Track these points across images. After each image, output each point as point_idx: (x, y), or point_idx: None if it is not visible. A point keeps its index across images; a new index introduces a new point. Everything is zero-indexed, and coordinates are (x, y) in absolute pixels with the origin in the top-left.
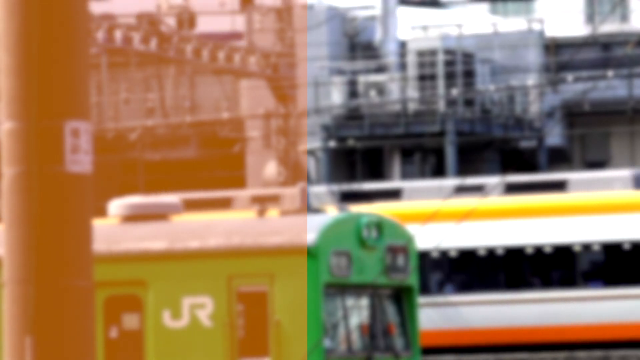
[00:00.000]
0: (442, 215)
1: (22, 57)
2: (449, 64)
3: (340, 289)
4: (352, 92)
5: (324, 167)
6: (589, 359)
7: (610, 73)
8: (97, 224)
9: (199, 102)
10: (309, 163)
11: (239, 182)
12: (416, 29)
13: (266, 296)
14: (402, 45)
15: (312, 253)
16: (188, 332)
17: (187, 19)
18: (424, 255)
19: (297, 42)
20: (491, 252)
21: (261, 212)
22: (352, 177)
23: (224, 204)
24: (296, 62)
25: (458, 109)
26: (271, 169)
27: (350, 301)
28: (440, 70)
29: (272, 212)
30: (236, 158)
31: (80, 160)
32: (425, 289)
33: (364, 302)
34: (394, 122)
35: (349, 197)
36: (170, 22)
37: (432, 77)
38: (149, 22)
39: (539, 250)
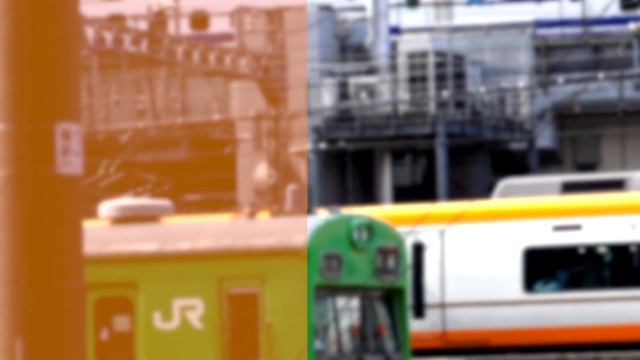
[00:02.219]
0: None
1: (12, 59)
2: (440, 65)
3: (330, 290)
4: (343, 93)
5: (315, 169)
6: None
7: (601, 75)
8: (88, 225)
9: (189, 103)
10: (299, 165)
11: (230, 183)
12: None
13: (257, 298)
14: (393, 47)
15: (302, 255)
16: (178, 334)
17: (178, 20)
18: None
19: (288, 44)
20: None
21: (252, 214)
22: (342, 179)
23: None
24: (287, 64)
25: (449, 111)
26: (262, 171)
27: (340, 303)
28: (430, 72)
29: (263, 214)
30: (227, 160)
31: (71, 162)
32: None
33: (355, 303)
34: (384, 123)
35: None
36: (163, 23)
37: (423, 79)
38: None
39: None
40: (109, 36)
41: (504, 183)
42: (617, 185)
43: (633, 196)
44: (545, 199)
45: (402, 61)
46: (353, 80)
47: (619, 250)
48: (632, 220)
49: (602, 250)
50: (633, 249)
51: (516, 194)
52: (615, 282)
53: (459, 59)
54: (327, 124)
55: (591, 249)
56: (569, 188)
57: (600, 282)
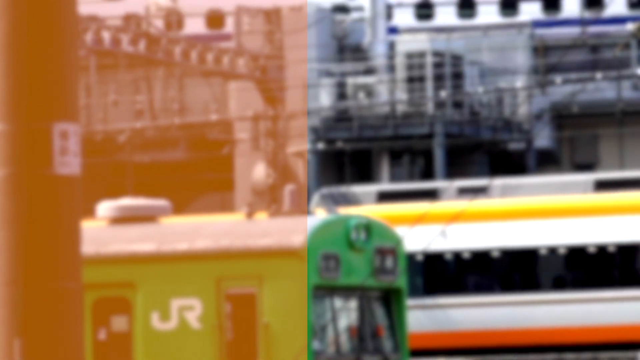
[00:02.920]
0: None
1: (10, 59)
2: (438, 66)
3: (329, 291)
4: (341, 94)
5: (313, 169)
6: None
7: (598, 75)
8: (86, 226)
9: (187, 104)
10: (297, 165)
11: (228, 184)
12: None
13: (255, 298)
14: (391, 47)
15: (300, 255)
16: (177, 334)
17: (175, 20)
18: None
19: (286, 44)
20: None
21: (250, 214)
22: (340, 179)
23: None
24: (285, 64)
25: (447, 111)
26: (260, 171)
27: (339, 303)
28: (429, 72)
29: (261, 214)
30: (225, 160)
31: (69, 162)
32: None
33: (353, 304)
34: (382, 124)
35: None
36: (159, 23)
37: (421, 79)
38: (137, 23)
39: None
40: (106, 36)
41: (320, 193)
42: (429, 194)
43: (444, 205)
44: (361, 209)
45: (400, 61)
46: (351, 81)
47: (432, 259)
48: (443, 229)
49: (416, 258)
50: (447, 256)
51: (333, 204)
52: (430, 290)
53: (457, 59)
54: (325, 124)
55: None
56: (384, 197)
57: (415, 290)
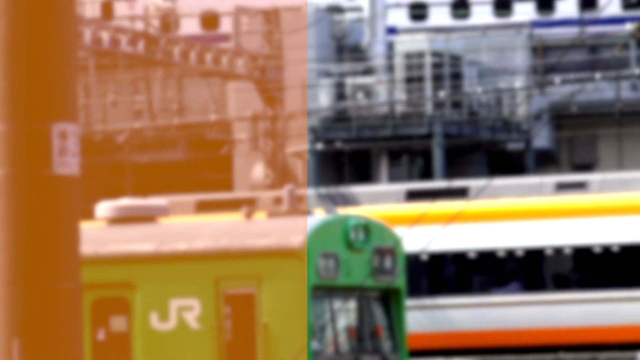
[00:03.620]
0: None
1: (9, 60)
2: (437, 66)
3: (327, 291)
4: (340, 94)
5: (312, 169)
6: None
7: (597, 75)
8: (85, 226)
9: (186, 104)
10: (296, 165)
11: (227, 184)
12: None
13: (254, 298)
14: (390, 47)
15: (299, 255)
16: (175, 335)
17: (174, 21)
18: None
19: (285, 45)
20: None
21: (249, 215)
22: (339, 179)
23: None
24: (284, 65)
25: (446, 111)
26: (259, 171)
27: (337, 303)
28: (427, 72)
29: (260, 215)
30: (224, 160)
31: (68, 162)
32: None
33: (352, 304)
34: (381, 124)
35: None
36: (158, 24)
37: (420, 80)
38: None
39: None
40: (105, 36)
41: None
42: (247, 203)
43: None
44: (181, 218)
45: (399, 61)
46: (350, 81)
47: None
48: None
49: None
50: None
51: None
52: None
53: (455, 59)
54: (324, 124)
55: None
56: (204, 207)
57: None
